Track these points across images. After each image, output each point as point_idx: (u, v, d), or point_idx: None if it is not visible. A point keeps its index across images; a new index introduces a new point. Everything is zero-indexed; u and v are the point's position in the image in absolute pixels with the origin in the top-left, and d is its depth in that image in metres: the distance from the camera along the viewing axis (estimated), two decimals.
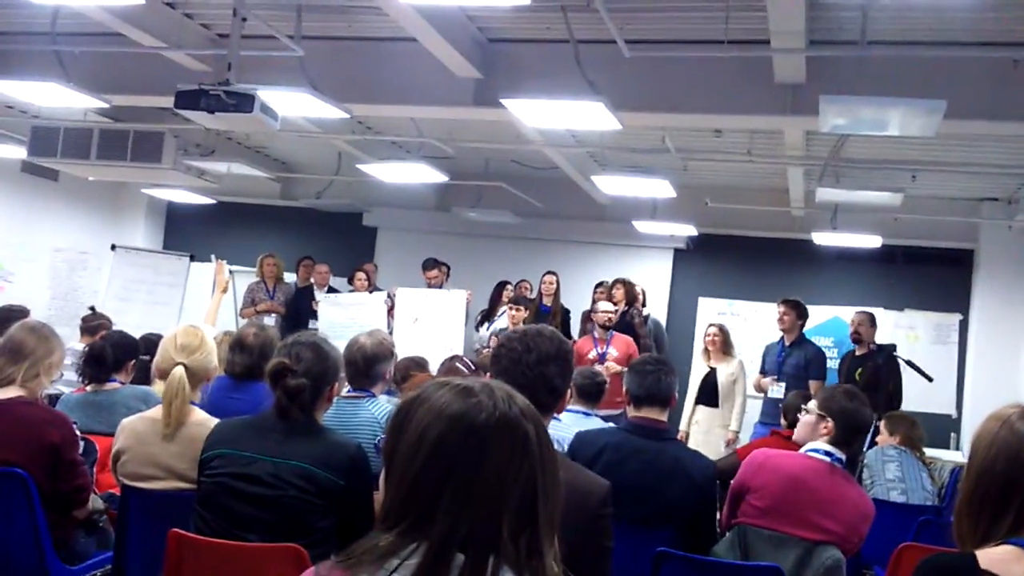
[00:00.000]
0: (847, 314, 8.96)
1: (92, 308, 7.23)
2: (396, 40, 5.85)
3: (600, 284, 8.49)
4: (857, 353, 6.60)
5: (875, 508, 4.38)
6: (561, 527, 1.30)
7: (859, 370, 6.31)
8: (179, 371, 2.92)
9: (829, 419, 3.15)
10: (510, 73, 5.81)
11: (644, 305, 8.24)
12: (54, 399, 4.13)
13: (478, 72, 5.83)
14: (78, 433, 3.23)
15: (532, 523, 1.23)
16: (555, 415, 2.33)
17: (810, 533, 2.93)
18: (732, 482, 3.19)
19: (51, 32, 5.78)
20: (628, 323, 7.69)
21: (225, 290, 5.83)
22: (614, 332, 7.19)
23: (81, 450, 3.24)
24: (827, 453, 3.08)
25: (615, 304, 7.71)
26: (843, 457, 3.11)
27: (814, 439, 3.17)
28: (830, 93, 4.84)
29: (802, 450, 3.16)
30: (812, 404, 3.28)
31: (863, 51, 4.56)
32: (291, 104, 5.48)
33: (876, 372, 6.30)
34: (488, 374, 2.28)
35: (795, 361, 6.47)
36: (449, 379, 1.33)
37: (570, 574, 1.27)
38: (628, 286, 7.99)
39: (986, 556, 1.62)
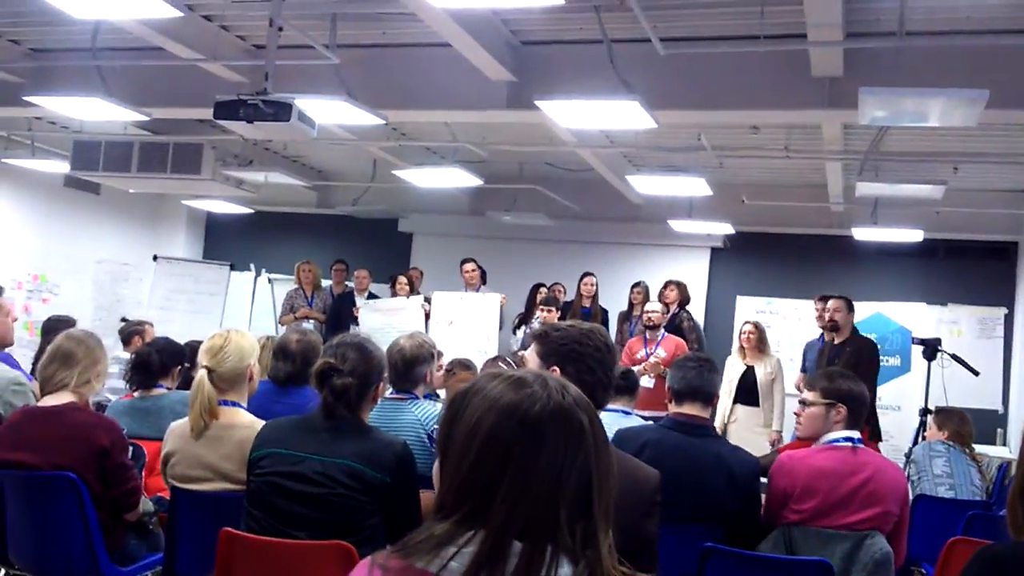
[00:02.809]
0: (889, 310, 8.90)
1: (124, 319, 7.34)
2: (430, 46, 5.88)
3: (637, 284, 8.48)
4: (836, 341, 6.41)
5: (923, 504, 4.36)
6: (615, 514, 1.31)
7: (837, 359, 6.17)
8: (201, 374, 2.96)
9: (841, 405, 3.15)
10: (544, 75, 5.82)
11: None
12: (101, 407, 4.20)
13: (511, 75, 5.84)
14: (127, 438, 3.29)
15: (587, 512, 1.23)
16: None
17: (857, 518, 2.93)
18: (768, 492, 3.16)
19: (92, 48, 5.89)
20: (677, 326, 7.68)
21: None
22: (665, 333, 7.15)
23: (130, 455, 3.30)
24: (847, 439, 3.10)
25: (666, 305, 7.72)
26: (857, 436, 3.13)
27: (828, 430, 3.16)
28: (869, 85, 4.79)
29: (821, 442, 3.14)
30: (811, 396, 3.24)
31: (901, 42, 4.51)
32: (328, 112, 5.54)
33: (855, 359, 6.14)
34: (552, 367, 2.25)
35: (847, 359, 6.27)
36: (501, 370, 1.33)
37: (624, 563, 1.27)
38: (681, 287, 7.99)
39: None
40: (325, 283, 9.28)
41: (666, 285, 8.10)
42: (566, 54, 5.82)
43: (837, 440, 3.10)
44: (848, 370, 5.96)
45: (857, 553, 2.92)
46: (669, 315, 7.76)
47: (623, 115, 5.19)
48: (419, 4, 4.72)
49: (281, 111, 5.11)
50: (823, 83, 5.41)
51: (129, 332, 6.02)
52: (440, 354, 3.93)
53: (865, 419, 3.99)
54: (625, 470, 1.99)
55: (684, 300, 8.06)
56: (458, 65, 5.74)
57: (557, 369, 2.19)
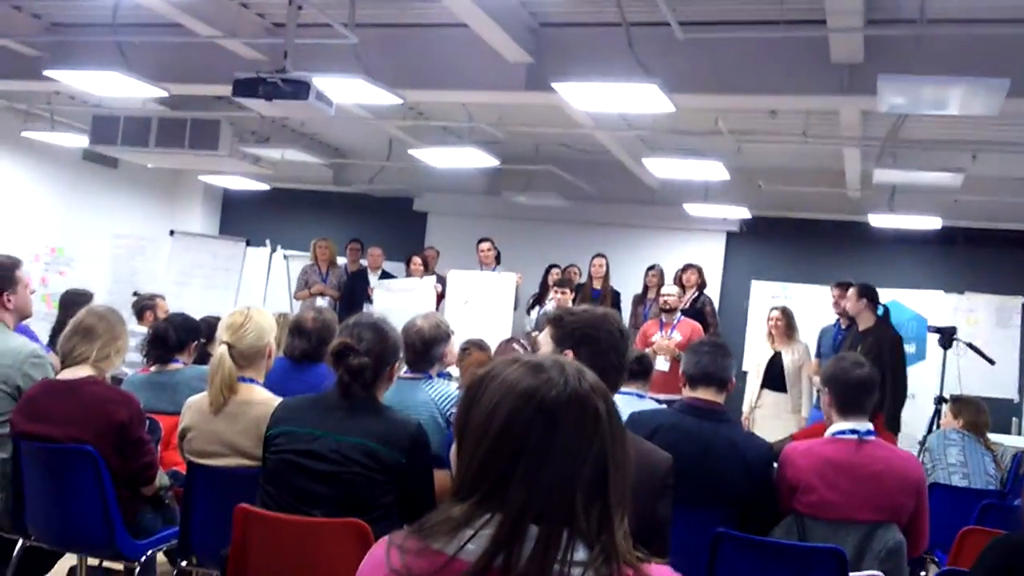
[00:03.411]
0: (906, 297, 8.87)
1: (136, 293, 7.41)
2: (448, 26, 5.86)
3: (651, 267, 8.49)
4: (860, 328, 6.35)
5: (936, 493, 4.36)
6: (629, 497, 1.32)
7: (859, 346, 6.15)
8: (222, 349, 3.00)
9: (825, 388, 3.13)
10: (562, 57, 5.80)
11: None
12: (118, 380, 4.26)
13: (530, 57, 5.82)
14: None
15: (603, 498, 1.24)
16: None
17: (866, 514, 2.90)
18: (777, 481, 3.13)
19: (112, 23, 5.92)
20: (699, 310, 7.70)
21: None
22: (681, 316, 7.16)
23: (147, 429, 3.34)
24: (852, 431, 3.03)
25: (684, 287, 7.75)
26: (866, 428, 3.03)
27: (831, 416, 3.14)
28: (888, 72, 4.75)
29: (828, 432, 3.10)
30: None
31: (922, 30, 4.47)
32: (345, 91, 5.55)
33: (877, 348, 6.06)
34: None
35: (868, 348, 6.20)
36: (519, 355, 1.35)
37: (640, 548, 1.28)
38: (700, 271, 8.01)
39: None
40: (340, 260, 9.32)
41: (686, 268, 8.09)
42: (585, 36, 5.80)
43: (843, 432, 3.04)
44: (870, 359, 5.97)
45: (869, 542, 2.90)
46: (689, 298, 7.77)
47: (641, 98, 5.17)
48: None
49: (299, 89, 5.14)
50: (842, 69, 5.37)
51: (141, 306, 6.09)
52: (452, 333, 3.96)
53: (876, 406, 3.98)
54: (638, 454, 1.99)
55: (703, 283, 8.07)
56: (476, 46, 5.72)
57: (571, 353, 2.21)
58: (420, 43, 6.13)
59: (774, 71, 5.51)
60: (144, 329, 5.76)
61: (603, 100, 5.43)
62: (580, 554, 1.20)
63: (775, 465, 3.21)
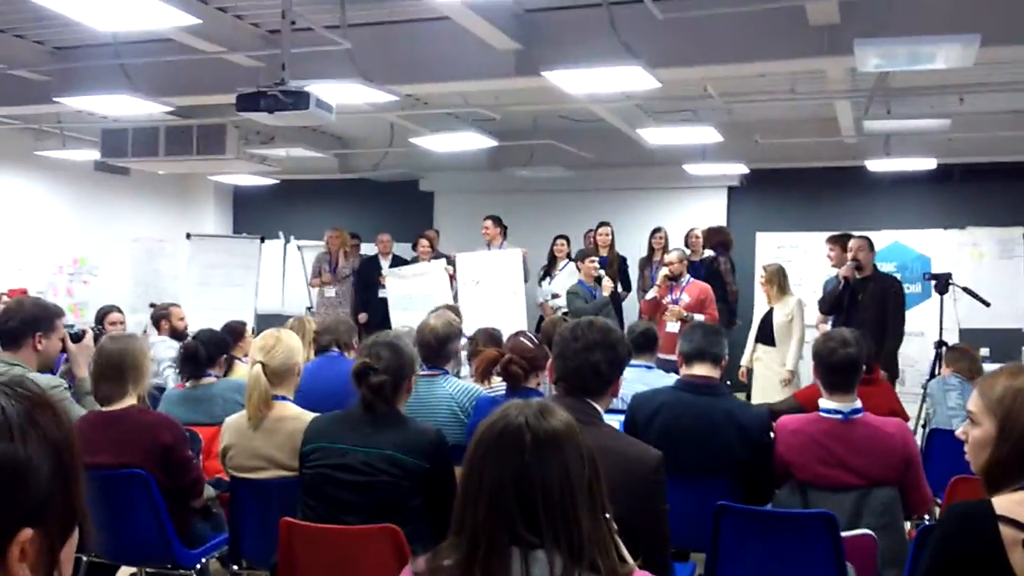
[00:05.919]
0: (908, 238, 9.03)
1: (152, 304, 7.68)
2: (437, 19, 6.01)
3: (657, 230, 8.66)
4: (859, 276, 6.51)
5: (937, 438, 4.57)
6: (616, 493, 1.57)
7: (861, 293, 6.36)
8: (256, 368, 3.26)
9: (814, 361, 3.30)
10: (549, 41, 5.93)
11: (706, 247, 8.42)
12: (160, 389, 4.54)
13: (517, 44, 5.97)
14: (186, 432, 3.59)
15: (536, 516, 1.47)
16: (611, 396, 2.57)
17: (860, 480, 3.10)
18: (775, 451, 3.27)
19: (113, 43, 6.12)
20: (716, 270, 7.90)
21: None
22: (690, 279, 7.31)
23: (189, 446, 3.60)
24: (836, 411, 3.17)
25: (694, 251, 7.98)
26: (851, 407, 3.15)
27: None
28: (864, 30, 4.91)
29: (820, 409, 3.24)
30: None
31: None
32: (343, 94, 5.74)
33: (880, 295, 6.30)
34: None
35: (871, 298, 6.38)
36: (516, 402, 1.59)
37: (620, 552, 1.52)
38: (711, 234, 8.20)
39: (1000, 502, 1.81)
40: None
41: (710, 232, 8.29)
42: (569, 19, 5.92)
43: (827, 411, 3.20)
44: (873, 305, 6.22)
45: (867, 499, 3.08)
46: (708, 258, 7.99)
47: (627, 79, 5.34)
48: None
49: (299, 100, 5.32)
50: (821, 32, 5.48)
51: (157, 316, 6.37)
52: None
53: (873, 357, 4.17)
54: (622, 457, 2.25)
55: (726, 243, 8.24)
56: (465, 37, 5.87)
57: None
58: (410, 38, 6.29)
59: (755, 38, 5.63)
60: (163, 338, 6.07)
61: (590, 83, 5.61)
62: (539, 570, 1.44)
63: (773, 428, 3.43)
